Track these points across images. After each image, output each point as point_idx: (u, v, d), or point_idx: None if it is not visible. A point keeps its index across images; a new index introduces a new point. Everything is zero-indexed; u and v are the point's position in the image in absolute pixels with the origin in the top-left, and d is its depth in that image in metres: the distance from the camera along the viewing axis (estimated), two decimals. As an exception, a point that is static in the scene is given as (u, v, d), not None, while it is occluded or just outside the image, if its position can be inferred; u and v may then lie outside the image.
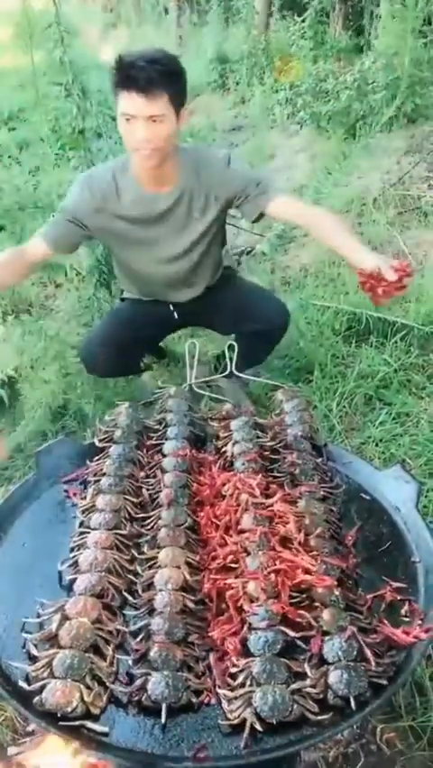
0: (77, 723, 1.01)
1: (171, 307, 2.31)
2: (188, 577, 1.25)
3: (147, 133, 1.84)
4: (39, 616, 1.20)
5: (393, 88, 4.53)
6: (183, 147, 2.07)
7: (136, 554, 1.34)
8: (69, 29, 2.84)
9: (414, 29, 4.35)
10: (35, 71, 2.82)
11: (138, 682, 1.07)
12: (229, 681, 1.09)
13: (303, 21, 6.22)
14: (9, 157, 4.72)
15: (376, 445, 2.28)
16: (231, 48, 7.45)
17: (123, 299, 2.43)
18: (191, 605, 1.20)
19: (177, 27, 10.23)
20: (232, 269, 2.44)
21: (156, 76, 1.79)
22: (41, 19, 2.65)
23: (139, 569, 1.30)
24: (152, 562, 1.30)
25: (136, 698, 1.06)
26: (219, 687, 1.09)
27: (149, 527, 1.40)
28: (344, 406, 2.47)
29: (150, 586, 1.25)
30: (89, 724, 1.01)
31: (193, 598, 1.22)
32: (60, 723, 1.01)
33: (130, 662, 1.12)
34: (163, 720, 1.03)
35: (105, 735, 1.02)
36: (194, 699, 1.06)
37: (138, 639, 1.15)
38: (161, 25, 11.24)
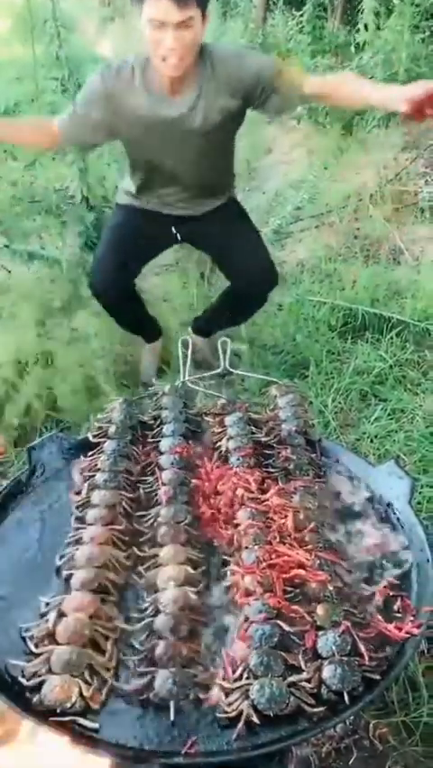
0: (68, 719, 1.01)
1: (174, 228, 2.30)
2: (190, 573, 1.25)
3: (176, 41, 1.80)
4: (40, 613, 1.20)
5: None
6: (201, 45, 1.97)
7: (137, 551, 1.34)
8: (66, 23, 2.82)
9: (412, 24, 4.34)
10: (30, 65, 2.81)
11: (144, 680, 1.08)
12: (227, 672, 1.09)
13: (301, 15, 6.19)
14: (5, 151, 4.69)
15: (371, 441, 2.29)
16: (228, 41, 7.42)
17: (118, 205, 2.39)
18: (194, 601, 1.20)
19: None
20: (238, 205, 2.42)
21: None
22: (39, 12, 2.64)
23: (141, 568, 1.30)
24: (153, 561, 1.30)
25: (143, 696, 1.06)
26: (217, 679, 1.09)
27: (148, 525, 1.40)
28: (339, 402, 2.48)
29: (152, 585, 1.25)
30: (81, 720, 1.01)
31: (196, 594, 1.22)
32: (52, 719, 1.01)
33: (135, 661, 1.12)
34: (172, 718, 1.03)
35: (96, 731, 1.02)
36: (201, 695, 1.06)
37: (143, 637, 1.15)
38: (158, 19, 11.18)
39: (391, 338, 2.78)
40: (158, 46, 1.84)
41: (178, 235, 2.35)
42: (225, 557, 1.33)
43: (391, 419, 2.38)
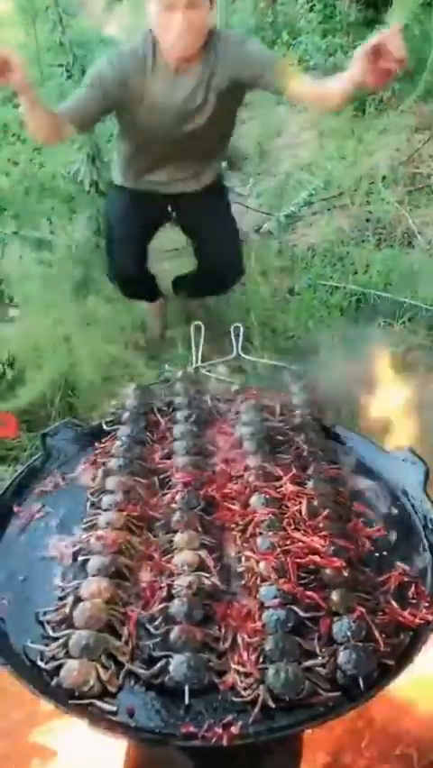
0: (87, 702, 1.03)
1: (169, 207, 2.38)
2: (205, 559, 1.26)
3: (186, 23, 1.84)
4: (57, 597, 1.21)
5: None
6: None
7: (151, 536, 1.35)
8: (69, 7, 2.80)
9: (425, 2, 4.26)
10: (39, 49, 2.80)
11: (159, 665, 1.09)
12: (243, 657, 1.10)
13: (312, -7, 6.08)
14: (13, 135, 4.67)
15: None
16: (238, 22, 7.30)
17: (113, 186, 2.46)
18: (209, 586, 1.21)
19: (182, 0, 10.03)
20: (224, 188, 2.55)
21: None
22: None
23: (155, 554, 1.31)
24: (168, 546, 1.31)
25: (158, 680, 1.07)
26: (233, 664, 1.10)
27: (161, 511, 1.41)
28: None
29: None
30: (98, 703, 1.02)
31: (210, 579, 1.23)
32: (71, 702, 1.02)
33: (150, 645, 1.13)
34: (186, 701, 1.04)
35: (114, 713, 1.03)
36: (216, 680, 1.07)
37: (157, 622, 1.16)
38: (166, -2, 11.02)
39: (404, 323, 2.76)
40: (167, 28, 1.88)
41: (173, 213, 2.41)
42: (240, 543, 1.33)
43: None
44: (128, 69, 2.04)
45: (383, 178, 3.93)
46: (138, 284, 2.50)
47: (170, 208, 2.38)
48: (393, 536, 1.37)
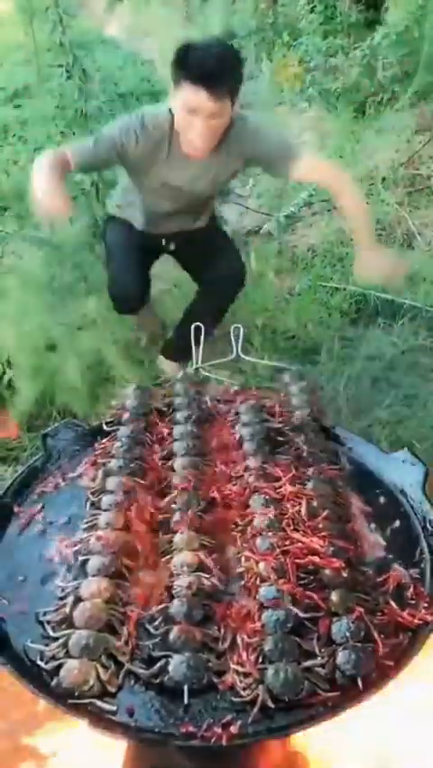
0: (86, 701, 1.03)
1: (164, 241, 2.44)
2: (204, 559, 1.26)
3: (205, 129, 1.96)
4: (57, 597, 1.22)
5: (404, 65, 4.45)
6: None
7: (151, 537, 1.35)
8: (70, 8, 2.81)
9: (427, 2, 4.26)
10: (37, 49, 2.81)
11: (159, 664, 1.09)
12: (242, 657, 1.10)
13: (312, -6, 6.08)
14: (14, 135, 4.68)
15: (383, 428, 2.28)
16: (238, 23, 7.30)
17: (112, 218, 2.50)
18: (208, 587, 1.22)
19: (183, 1, 10.03)
20: (216, 217, 2.66)
21: (224, 73, 1.89)
22: None
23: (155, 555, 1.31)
24: (168, 546, 1.31)
25: (158, 680, 1.08)
26: (232, 664, 1.10)
27: (161, 512, 1.41)
28: (351, 389, 2.47)
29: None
30: (98, 702, 1.03)
31: (209, 580, 1.23)
32: (70, 702, 1.03)
33: (150, 645, 1.13)
34: (186, 701, 1.04)
35: (113, 713, 1.03)
36: (216, 680, 1.08)
37: (157, 622, 1.16)
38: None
39: (404, 324, 2.76)
40: (189, 128, 1.99)
41: (170, 245, 2.47)
42: (239, 543, 1.33)
43: (404, 405, 2.38)
44: (148, 148, 2.10)
45: (383, 179, 3.93)
46: (135, 304, 2.49)
47: (164, 242, 2.45)
48: (393, 537, 1.37)
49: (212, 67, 1.86)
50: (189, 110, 1.93)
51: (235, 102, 1.99)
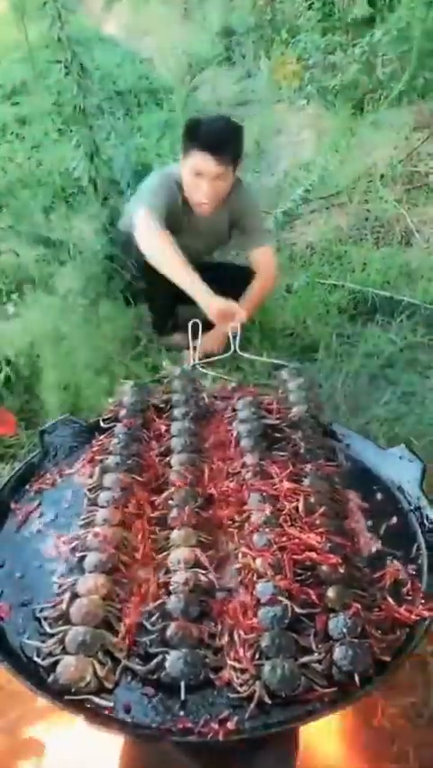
0: (83, 697, 1.03)
1: None
2: (200, 556, 1.26)
3: (211, 190, 2.35)
4: (54, 593, 1.21)
5: (403, 62, 4.44)
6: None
7: (148, 533, 1.35)
8: (68, 4, 2.79)
9: (427, 1, 4.25)
10: (32, 47, 2.80)
11: (156, 660, 1.09)
12: (239, 653, 1.10)
13: (311, -9, 6.06)
14: (12, 133, 4.67)
15: (381, 425, 2.28)
16: (237, 20, 7.28)
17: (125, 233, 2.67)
18: (205, 583, 1.21)
19: (182, -2, 10.00)
20: None
21: (228, 143, 2.30)
22: None
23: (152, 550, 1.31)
24: (165, 543, 1.31)
25: (155, 676, 1.08)
26: (229, 660, 1.10)
27: (158, 508, 1.41)
28: (349, 385, 2.47)
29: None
30: (95, 699, 1.03)
31: (206, 576, 1.23)
32: (67, 698, 1.03)
33: (147, 642, 1.13)
34: (182, 697, 1.04)
35: (110, 709, 1.03)
36: (212, 676, 1.08)
37: (154, 618, 1.16)
38: (165, -4, 11.00)
39: (402, 321, 2.76)
40: (196, 190, 2.38)
41: None
42: (236, 539, 1.33)
43: (402, 402, 2.37)
44: (173, 203, 2.44)
45: (382, 176, 3.93)
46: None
47: None
48: (390, 533, 1.37)
49: (218, 137, 2.28)
50: (197, 173, 2.32)
51: (237, 169, 2.39)
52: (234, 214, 2.57)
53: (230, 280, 2.55)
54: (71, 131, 3.09)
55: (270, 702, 1.03)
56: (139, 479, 1.47)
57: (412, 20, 4.34)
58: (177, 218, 2.46)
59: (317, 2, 5.93)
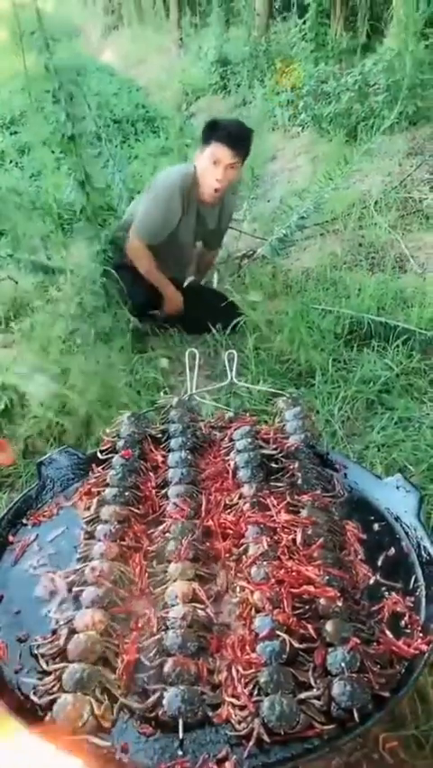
0: (81, 737, 1.02)
1: None
2: (198, 590, 1.26)
3: (225, 175, 2.80)
4: (51, 630, 1.21)
5: (395, 90, 4.53)
6: None
7: (145, 567, 1.35)
8: (62, 32, 2.85)
9: (416, 31, 4.35)
10: (29, 76, 2.85)
11: (153, 698, 1.08)
12: (237, 690, 1.09)
13: (304, 22, 6.21)
14: (11, 162, 4.72)
15: (378, 450, 2.28)
16: (232, 50, 7.45)
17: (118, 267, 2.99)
18: (203, 618, 1.21)
19: (178, 29, 10.22)
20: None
21: (242, 138, 2.79)
22: (29, 24, 2.68)
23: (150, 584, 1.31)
24: (162, 576, 1.31)
25: (152, 714, 1.07)
26: (227, 696, 1.09)
27: (156, 541, 1.41)
28: (345, 411, 2.47)
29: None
30: (94, 739, 1.02)
31: (204, 610, 1.22)
32: (65, 738, 1.02)
33: (144, 678, 1.12)
34: (180, 735, 1.03)
35: (108, 749, 1.02)
36: (210, 713, 1.07)
37: (151, 654, 1.16)
38: (161, 27, 11.24)
39: (398, 346, 2.77)
40: (212, 175, 2.80)
41: None
42: (234, 572, 1.33)
43: (398, 428, 2.38)
44: (178, 208, 2.87)
45: (376, 202, 3.98)
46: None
47: None
48: (387, 564, 1.37)
49: (234, 131, 2.77)
50: (214, 161, 2.76)
51: (245, 163, 2.88)
52: (221, 212, 3.08)
53: (208, 306, 3.00)
54: (65, 156, 3.12)
55: (269, 741, 1.03)
56: (136, 511, 1.48)
57: (403, 50, 4.44)
58: (178, 216, 2.89)
59: (310, 32, 6.07)
